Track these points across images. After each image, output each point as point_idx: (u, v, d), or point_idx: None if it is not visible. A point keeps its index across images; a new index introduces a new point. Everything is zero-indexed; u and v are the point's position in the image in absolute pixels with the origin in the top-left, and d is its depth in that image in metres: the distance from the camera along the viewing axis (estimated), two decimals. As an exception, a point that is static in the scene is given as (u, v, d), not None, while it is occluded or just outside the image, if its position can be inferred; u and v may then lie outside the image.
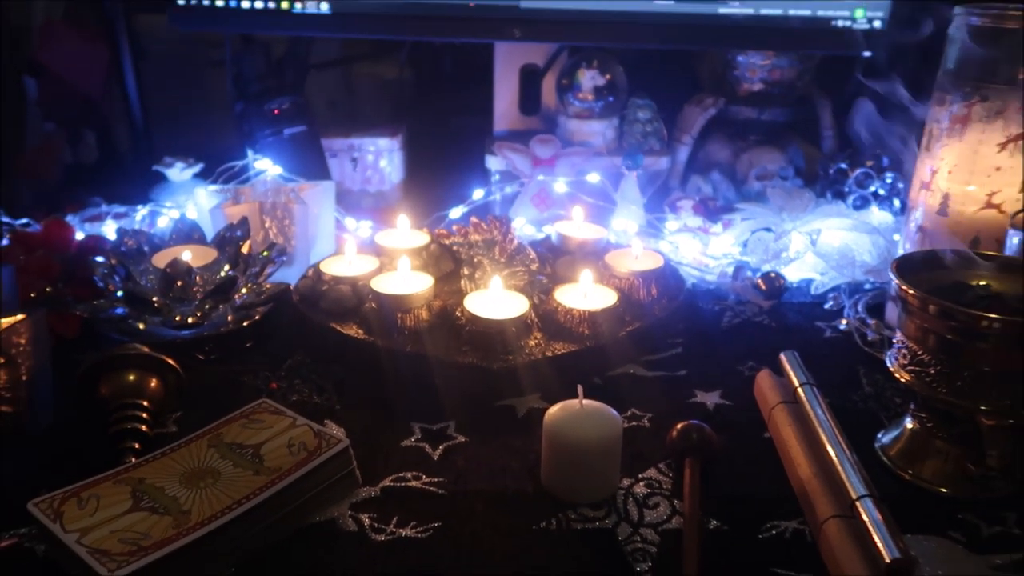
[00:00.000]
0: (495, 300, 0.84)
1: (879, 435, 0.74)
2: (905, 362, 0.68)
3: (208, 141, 1.36)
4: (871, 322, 0.93)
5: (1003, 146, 0.82)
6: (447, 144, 1.43)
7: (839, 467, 0.64)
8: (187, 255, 0.89)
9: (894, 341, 0.70)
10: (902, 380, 0.68)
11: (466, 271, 0.94)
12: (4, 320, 0.72)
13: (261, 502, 0.60)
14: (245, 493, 0.60)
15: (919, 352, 0.66)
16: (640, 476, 0.69)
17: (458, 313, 0.84)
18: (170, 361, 0.76)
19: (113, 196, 1.22)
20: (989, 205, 0.84)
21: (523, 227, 1.20)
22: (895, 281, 0.67)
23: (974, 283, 0.70)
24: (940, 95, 0.85)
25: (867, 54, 1.20)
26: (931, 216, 0.87)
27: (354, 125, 1.36)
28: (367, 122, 1.39)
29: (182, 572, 0.56)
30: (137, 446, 0.70)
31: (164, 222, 1.13)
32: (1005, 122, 0.81)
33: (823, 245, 1.05)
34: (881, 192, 1.16)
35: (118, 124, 1.50)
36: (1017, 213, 0.79)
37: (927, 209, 0.87)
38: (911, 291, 0.65)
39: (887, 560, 0.55)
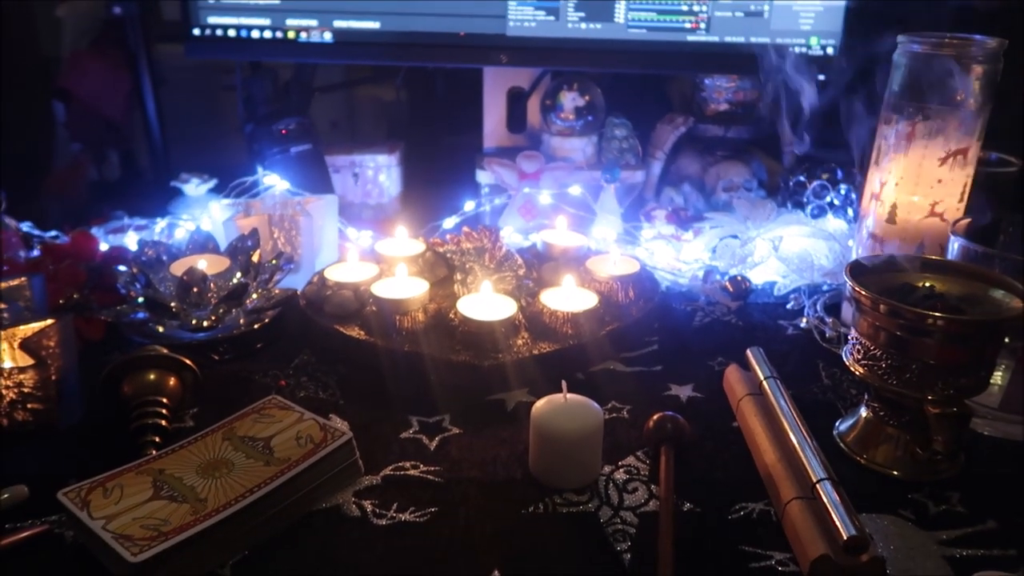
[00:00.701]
0: (486, 303, 0.84)
1: (837, 423, 0.75)
2: (859, 356, 0.68)
3: (221, 159, 1.35)
4: (829, 320, 0.93)
5: (943, 160, 0.82)
6: (441, 160, 1.43)
7: (800, 453, 0.64)
8: (202, 264, 0.89)
9: (849, 338, 0.70)
10: (857, 373, 0.68)
11: (459, 276, 0.94)
12: (35, 325, 0.72)
13: (271, 490, 0.59)
14: (257, 482, 0.60)
15: (871, 348, 0.67)
16: (620, 463, 0.69)
17: (451, 315, 0.84)
18: (187, 361, 0.75)
19: (135, 210, 1.21)
20: (932, 214, 0.84)
21: (511, 235, 1.19)
22: (849, 283, 0.67)
23: (920, 284, 0.71)
24: (887, 115, 0.85)
25: (821, 77, 1.21)
26: (881, 224, 0.87)
27: (355, 143, 1.36)
28: (367, 140, 1.39)
29: (199, 556, 0.56)
30: (157, 440, 0.69)
31: (181, 233, 1.13)
32: (945, 139, 0.82)
33: (784, 250, 1.06)
34: (836, 202, 1.17)
35: (139, 145, 1.49)
36: (959, 220, 0.80)
37: (877, 217, 0.88)
38: (863, 292, 0.65)
39: (844, 537, 0.55)
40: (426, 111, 1.54)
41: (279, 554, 0.59)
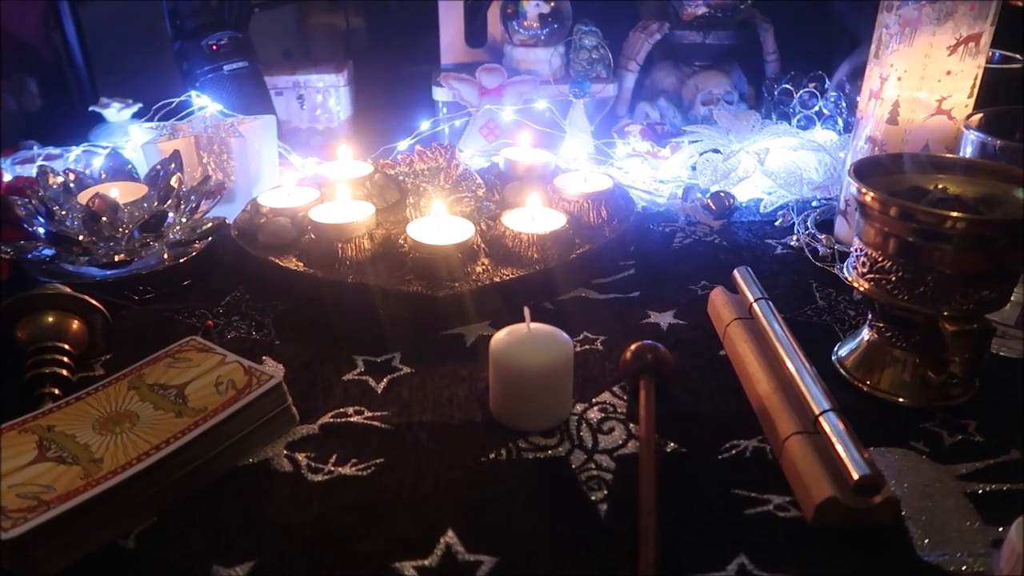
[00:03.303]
0: (440, 226, 0.74)
1: (835, 347, 0.67)
2: (864, 270, 0.59)
3: (151, 82, 1.22)
4: (821, 237, 0.84)
5: (953, 48, 0.73)
6: (394, 80, 1.31)
7: (800, 382, 0.56)
8: (114, 191, 0.78)
9: (852, 249, 0.62)
10: (860, 289, 0.60)
11: (411, 200, 0.84)
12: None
13: (183, 446, 0.50)
14: (165, 437, 0.51)
15: (879, 259, 0.58)
16: (593, 401, 0.61)
17: (401, 241, 0.74)
18: (93, 301, 0.65)
19: (54, 140, 1.09)
20: (939, 111, 0.75)
21: (472, 158, 1.09)
22: (854, 185, 0.58)
23: (932, 187, 0.62)
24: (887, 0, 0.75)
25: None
26: (881, 125, 0.78)
27: (299, 63, 1.23)
28: (313, 58, 1.26)
29: (93, 526, 0.47)
30: (57, 391, 0.60)
31: (99, 162, 1.00)
32: (955, 24, 0.72)
33: (770, 164, 0.96)
34: (825, 111, 1.07)
35: (60, 70, 1.34)
36: (972, 115, 0.71)
37: (877, 119, 0.78)
38: (871, 194, 0.56)
39: (855, 477, 0.47)
40: (378, 26, 1.41)
41: (197, 519, 0.50)
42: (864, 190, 0.57)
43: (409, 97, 1.24)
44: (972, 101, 0.75)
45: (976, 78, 0.74)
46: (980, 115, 0.71)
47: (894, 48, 0.75)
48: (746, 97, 1.22)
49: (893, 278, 0.57)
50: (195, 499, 0.51)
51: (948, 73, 0.73)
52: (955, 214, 0.53)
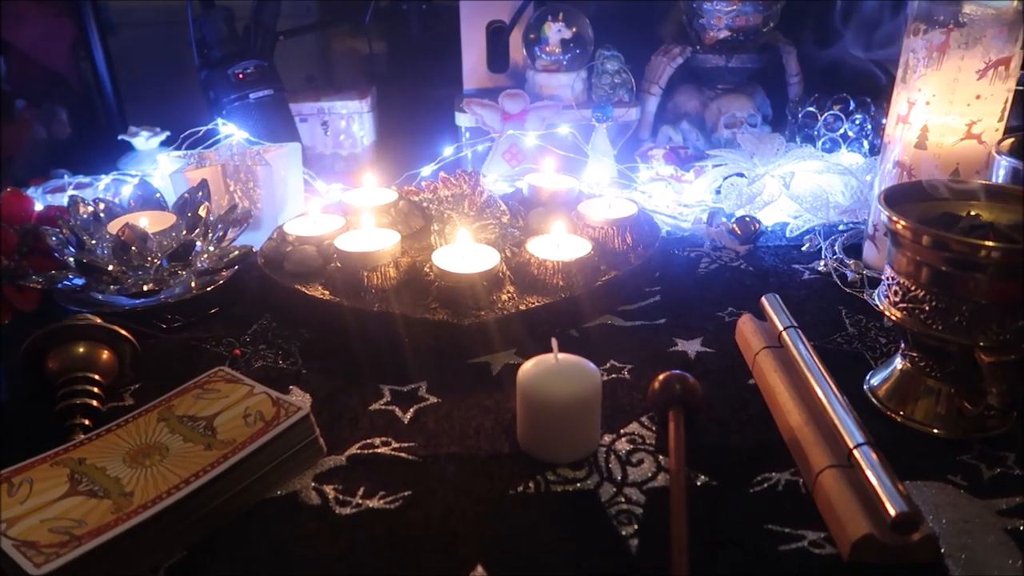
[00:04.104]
0: (465, 254, 0.74)
1: (867, 376, 0.66)
2: (896, 299, 0.59)
3: (178, 111, 1.23)
4: (849, 262, 0.84)
5: (982, 73, 0.72)
6: (417, 105, 1.32)
7: (832, 413, 0.55)
8: (144, 221, 0.79)
9: (883, 278, 0.61)
10: (893, 318, 0.59)
11: (436, 227, 0.84)
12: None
13: (212, 479, 0.50)
14: (194, 470, 0.51)
15: (912, 288, 0.57)
16: (622, 431, 0.60)
17: (427, 269, 0.74)
18: (122, 331, 0.65)
19: (84, 168, 1.11)
20: (969, 135, 0.74)
21: (495, 184, 1.09)
22: (885, 213, 0.57)
23: (964, 213, 0.61)
24: (915, 24, 0.75)
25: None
26: (909, 150, 0.77)
27: (323, 89, 1.25)
28: (337, 86, 1.27)
29: (123, 561, 0.47)
30: (87, 422, 0.60)
31: (128, 190, 1.02)
32: (984, 48, 0.71)
33: (796, 188, 0.96)
34: (851, 134, 1.07)
35: (90, 99, 1.37)
36: (1003, 139, 0.70)
37: (905, 143, 0.77)
38: (903, 222, 0.55)
39: (893, 513, 0.46)
40: (401, 52, 1.42)
41: (224, 553, 0.50)
42: (895, 218, 0.56)
43: (432, 123, 1.24)
44: (1002, 125, 0.75)
45: (1006, 102, 0.74)
46: (1012, 139, 0.70)
47: (921, 72, 0.74)
48: (769, 119, 1.22)
49: (927, 307, 0.56)
50: (224, 533, 0.51)
51: (977, 97, 0.73)
52: (989, 243, 0.52)
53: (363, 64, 1.47)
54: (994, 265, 0.53)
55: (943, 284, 0.55)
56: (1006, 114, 0.75)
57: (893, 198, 0.60)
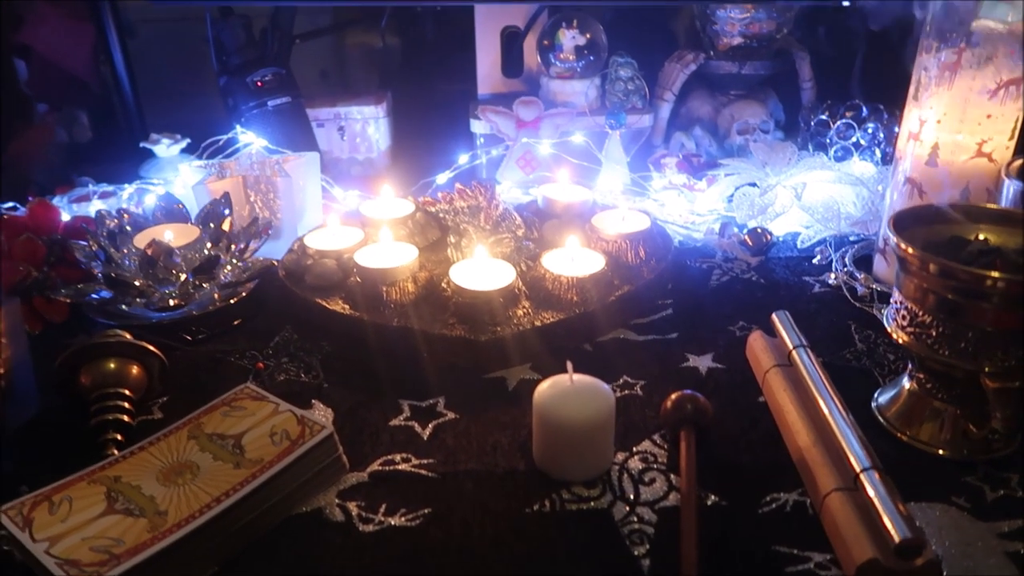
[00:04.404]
0: (481, 270, 0.76)
1: (875, 394, 0.67)
2: (904, 323, 0.60)
3: (199, 116, 1.26)
4: (860, 276, 0.85)
5: (993, 93, 0.73)
6: (432, 110, 1.33)
7: (839, 436, 0.57)
8: (168, 234, 0.81)
9: (892, 301, 0.62)
10: (900, 341, 0.60)
11: (452, 239, 0.86)
12: (-25, 315, 0.64)
13: (242, 498, 0.53)
14: (225, 489, 0.53)
15: (919, 313, 0.58)
16: (635, 449, 0.62)
17: (444, 284, 0.76)
18: (151, 348, 0.68)
19: (103, 175, 1.13)
20: (980, 154, 0.75)
21: (509, 191, 1.11)
22: (894, 239, 0.58)
23: (972, 237, 0.62)
24: (927, 42, 0.76)
25: (846, 3, 1.10)
26: (920, 167, 0.78)
27: (339, 95, 1.26)
28: (357, 90, 1.29)
29: (159, 579, 0.49)
30: (120, 437, 0.62)
31: (152, 200, 1.04)
32: (996, 68, 0.72)
33: (807, 199, 0.97)
34: (863, 142, 1.07)
35: (109, 102, 1.39)
36: (1012, 161, 0.71)
37: (916, 160, 0.79)
38: (910, 250, 0.57)
39: (896, 539, 0.48)
40: (415, 57, 1.43)
41: (254, 567, 0.52)
42: (903, 245, 0.57)
43: (447, 127, 1.26)
44: (1013, 143, 0.76)
45: (1017, 121, 0.75)
46: (1021, 161, 0.71)
47: (933, 91, 0.75)
48: (782, 124, 1.22)
49: (934, 332, 0.58)
50: (252, 549, 0.54)
51: (988, 117, 0.74)
52: (995, 274, 0.53)
53: (377, 57, 1.48)
54: (1000, 294, 0.54)
55: (950, 311, 0.56)
56: (1016, 132, 0.75)
57: (902, 222, 0.61)
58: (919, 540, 0.48)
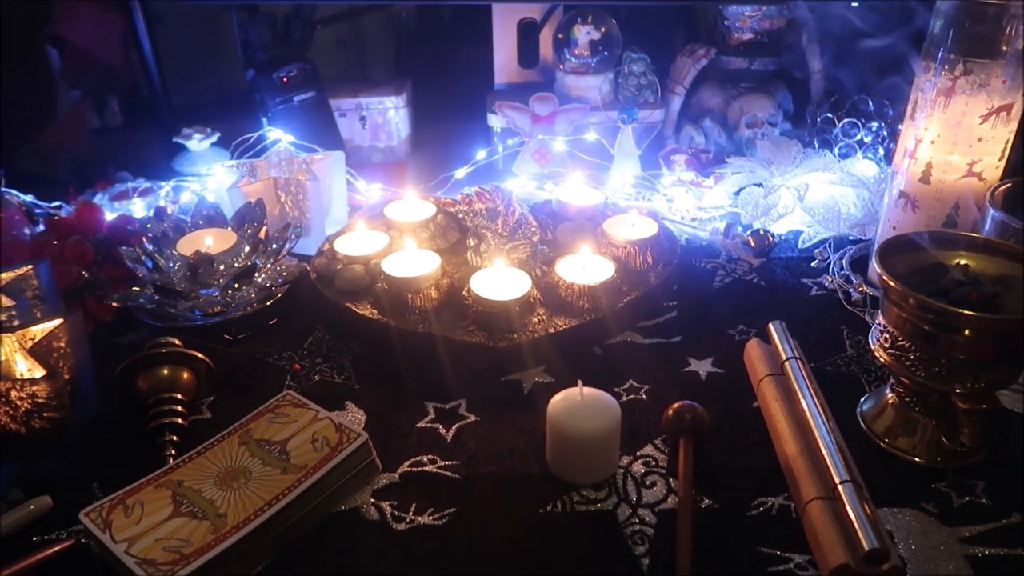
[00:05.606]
0: (499, 279, 0.82)
1: (861, 400, 0.73)
2: (886, 345, 0.66)
3: (225, 109, 1.31)
4: (855, 280, 0.90)
5: (985, 118, 0.77)
6: (450, 100, 1.37)
7: (823, 448, 0.63)
8: (209, 240, 0.87)
9: (876, 323, 0.68)
10: (882, 360, 0.66)
11: (472, 242, 0.91)
12: (45, 326, 0.71)
13: (290, 501, 0.60)
14: (275, 493, 0.60)
15: (899, 337, 0.64)
16: (638, 453, 0.69)
17: (464, 293, 0.82)
18: (199, 355, 0.75)
19: (141, 169, 1.19)
20: (970, 173, 0.80)
21: (524, 184, 1.16)
22: (878, 270, 0.64)
23: (954, 263, 0.67)
24: (926, 63, 0.80)
25: (855, 3, 1.13)
26: (913, 183, 0.83)
27: (361, 85, 1.31)
28: (374, 67, 1.33)
29: (223, 573, 0.57)
30: (175, 438, 0.70)
31: (187, 196, 1.10)
32: (988, 94, 0.76)
33: (810, 200, 1.02)
34: (867, 140, 1.11)
35: (138, 90, 1.44)
36: (999, 186, 0.75)
37: (910, 176, 0.83)
38: (892, 283, 0.62)
39: (865, 548, 0.54)
40: (434, 47, 1.47)
41: (301, 559, 0.60)
42: (886, 277, 0.63)
43: (465, 117, 1.30)
44: (1003, 163, 0.80)
45: (1007, 143, 0.79)
46: (1007, 185, 0.76)
47: (928, 113, 0.80)
48: (791, 115, 1.26)
49: (911, 356, 0.64)
50: (297, 545, 0.61)
51: (980, 140, 0.78)
52: (968, 312, 0.59)
53: (393, 25, 1.50)
54: (972, 329, 0.60)
55: (926, 339, 0.62)
56: (1006, 152, 0.80)
57: (887, 251, 0.66)
58: (885, 550, 0.54)
